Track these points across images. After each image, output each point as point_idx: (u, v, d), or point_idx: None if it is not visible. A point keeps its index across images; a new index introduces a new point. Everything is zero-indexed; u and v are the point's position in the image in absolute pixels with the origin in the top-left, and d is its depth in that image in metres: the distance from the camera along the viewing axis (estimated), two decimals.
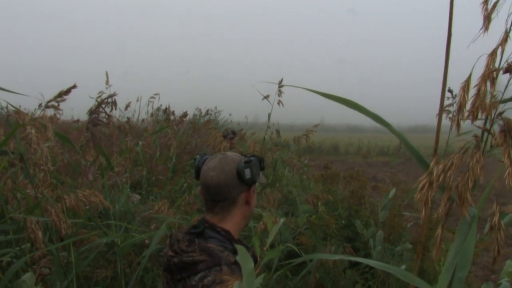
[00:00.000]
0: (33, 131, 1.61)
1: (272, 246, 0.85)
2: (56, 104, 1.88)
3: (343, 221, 3.56)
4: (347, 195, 3.83)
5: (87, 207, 2.39)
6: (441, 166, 0.76)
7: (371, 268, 3.09)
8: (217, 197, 1.40)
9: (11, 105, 1.85)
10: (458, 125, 0.76)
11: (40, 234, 1.65)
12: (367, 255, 3.17)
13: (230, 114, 10.54)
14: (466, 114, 0.80)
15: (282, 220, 1.02)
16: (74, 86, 1.89)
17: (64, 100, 1.89)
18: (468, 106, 0.77)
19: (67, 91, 1.89)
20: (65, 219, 1.74)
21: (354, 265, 3.20)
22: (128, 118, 5.31)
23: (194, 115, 9.16)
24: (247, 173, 1.38)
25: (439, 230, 0.81)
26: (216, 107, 10.11)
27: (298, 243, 3.07)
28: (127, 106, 5.43)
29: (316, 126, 3.95)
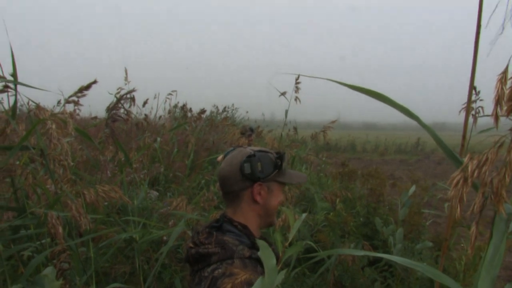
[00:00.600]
0: (53, 126, 1.62)
1: (290, 244, 0.83)
2: (76, 99, 1.89)
3: (361, 219, 3.52)
4: (365, 193, 3.79)
5: (106, 203, 2.41)
6: (475, 161, 0.73)
7: (390, 266, 3.05)
8: (223, 189, 1.43)
9: (32, 101, 1.86)
10: (497, 119, 0.72)
11: (60, 229, 1.66)
12: (386, 253, 3.13)
13: (247, 112, 10.55)
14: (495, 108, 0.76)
15: (303, 215, 1.01)
16: (95, 82, 1.90)
17: (84, 95, 1.90)
18: (505, 99, 0.74)
19: (87, 87, 1.89)
20: (85, 214, 1.75)
21: (372, 263, 3.16)
22: (145, 115, 5.35)
23: (211, 112, 9.18)
24: (247, 168, 1.36)
25: (473, 228, 0.78)
26: (233, 104, 10.13)
27: (316, 241, 3.05)
28: (144, 103, 5.47)
29: (333, 122, 3.93)
